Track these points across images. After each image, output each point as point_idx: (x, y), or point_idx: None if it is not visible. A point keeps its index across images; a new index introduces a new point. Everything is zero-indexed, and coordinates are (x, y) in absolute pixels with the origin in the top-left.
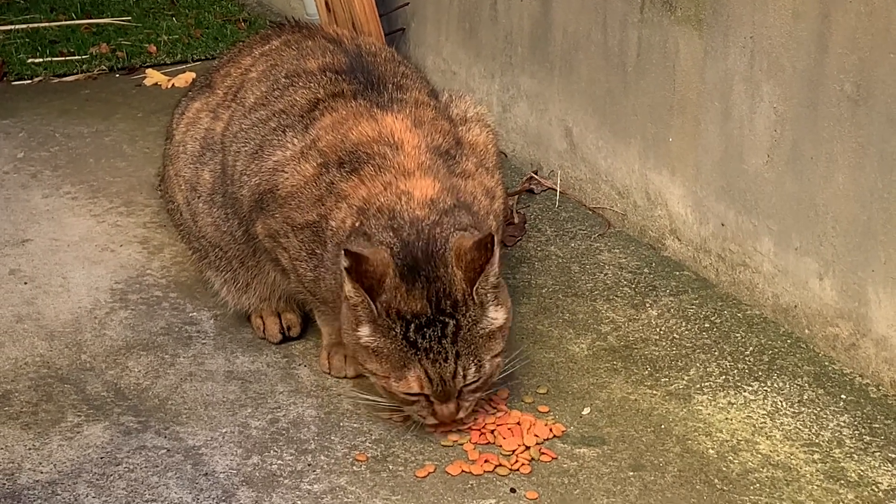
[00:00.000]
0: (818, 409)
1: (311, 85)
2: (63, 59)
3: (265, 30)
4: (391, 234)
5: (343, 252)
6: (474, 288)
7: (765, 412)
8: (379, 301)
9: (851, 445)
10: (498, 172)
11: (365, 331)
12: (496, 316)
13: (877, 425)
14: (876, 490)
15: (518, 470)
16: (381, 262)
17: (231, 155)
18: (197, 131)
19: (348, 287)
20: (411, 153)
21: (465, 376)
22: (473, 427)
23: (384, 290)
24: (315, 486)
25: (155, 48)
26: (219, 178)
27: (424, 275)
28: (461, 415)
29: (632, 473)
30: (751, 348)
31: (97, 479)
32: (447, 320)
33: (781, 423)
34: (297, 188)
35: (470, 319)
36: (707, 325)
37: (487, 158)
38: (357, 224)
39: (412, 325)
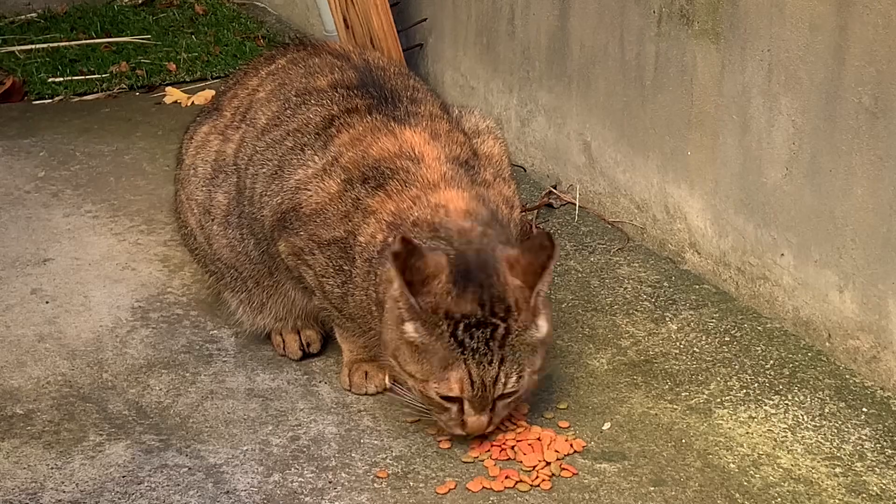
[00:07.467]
0: (839, 422)
1: (324, 102)
2: (83, 77)
3: (269, 50)
4: (443, 244)
5: (398, 238)
6: (535, 291)
7: (786, 426)
8: (421, 298)
9: (873, 459)
10: (513, 182)
11: (410, 328)
12: (542, 325)
13: None
14: None
15: (539, 486)
16: (434, 265)
17: (248, 177)
18: (207, 154)
19: (391, 275)
20: (433, 165)
21: (505, 383)
22: (494, 443)
23: (430, 292)
24: (336, 503)
25: (174, 66)
26: (233, 199)
27: (478, 281)
28: (490, 429)
29: (653, 489)
30: (771, 361)
31: (119, 499)
32: (498, 323)
33: (802, 436)
34: (321, 205)
35: (521, 326)
36: (727, 338)
37: (503, 169)
38: (390, 239)
39: (461, 324)
